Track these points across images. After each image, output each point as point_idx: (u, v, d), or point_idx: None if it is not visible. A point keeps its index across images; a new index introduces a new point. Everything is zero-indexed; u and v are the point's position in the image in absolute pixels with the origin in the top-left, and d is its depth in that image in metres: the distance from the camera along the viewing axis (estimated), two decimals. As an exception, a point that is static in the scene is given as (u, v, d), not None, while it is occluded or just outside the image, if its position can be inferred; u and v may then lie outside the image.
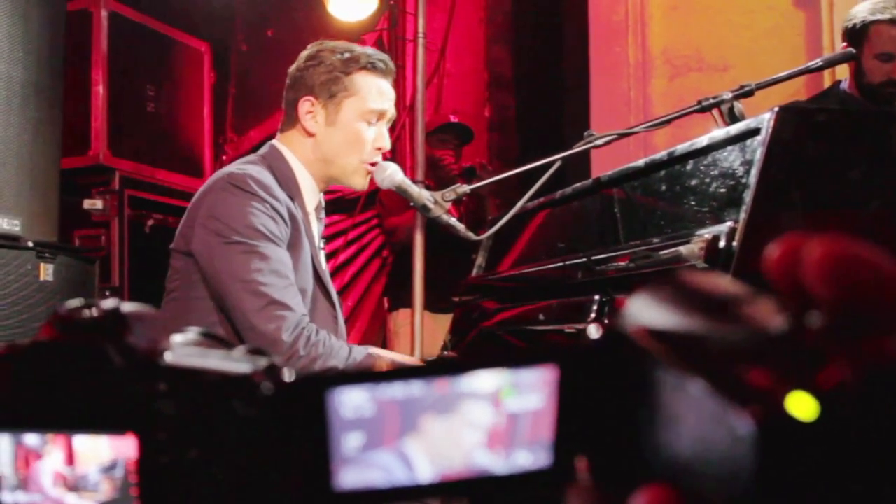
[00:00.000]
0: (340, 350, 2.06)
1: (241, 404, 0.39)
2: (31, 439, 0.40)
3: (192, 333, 0.43)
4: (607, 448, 0.38)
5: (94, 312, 0.40)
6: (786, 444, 0.28)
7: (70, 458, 0.40)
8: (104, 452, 0.39)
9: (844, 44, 3.31)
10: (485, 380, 0.39)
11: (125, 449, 0.39)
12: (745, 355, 0.31)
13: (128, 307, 0.41)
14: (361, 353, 2.11)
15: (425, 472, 0.39)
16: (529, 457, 0.40)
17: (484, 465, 0.40)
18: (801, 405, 0.28)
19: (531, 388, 0.40)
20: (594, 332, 0.39)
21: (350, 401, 0.39)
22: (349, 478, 0.39)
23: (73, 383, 0.39)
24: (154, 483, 0.39)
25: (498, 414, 0.40)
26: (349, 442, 0.39)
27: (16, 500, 0.41)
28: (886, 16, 3.20)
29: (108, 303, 0.41)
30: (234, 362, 0.41)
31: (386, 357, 2.19)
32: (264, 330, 1.97)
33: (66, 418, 0.40)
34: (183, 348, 0.42)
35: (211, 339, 0.44)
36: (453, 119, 4.80)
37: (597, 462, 0.39)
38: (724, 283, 0.37)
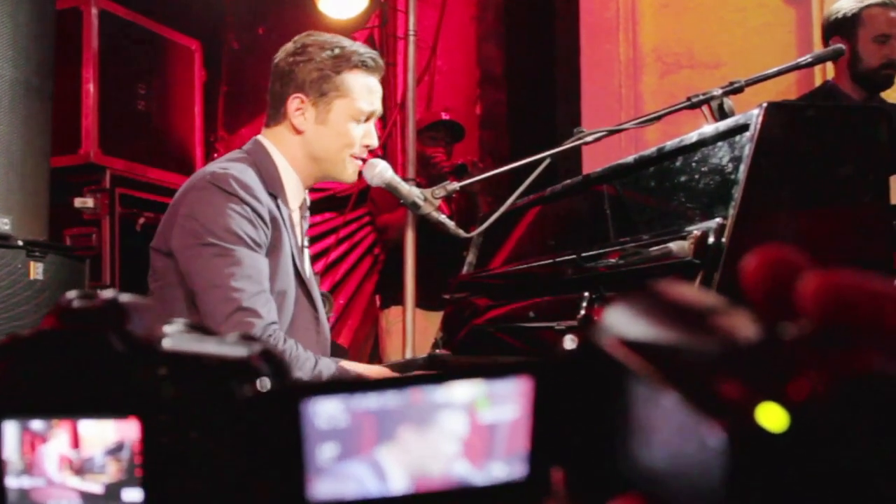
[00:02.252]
0: (306, 361, 2.04)
1: (239, 386, 0.40)
2: (36, 424, 0.41)
3: (178, 324, 0.44)
4: (582, 459, 0.38)
5: (95, 302, 0.41)
6: (756, 455, 0.28)
7: (75, 442, 0.41)
8: (110, 435, 0.40)
9: (835, 36, 3.32)
10: (460, 390, 0.39)
11: (131, 431, 0.40)
12: (717, 367, 0.31)
13: (125, 297, 0.42)
14: (328, 365, 2.08)
15: (400, 483, 0.39)
16: (505, 468, 0.40)
17: (460, 476, 0.40)
18: (772, 416, 0.28)
19: (506, 400, 0.40)
20: (569, 342, 0.39)
21: (324, 411, 0.39)
22: (323, 488, 0.39)
23: (77, 370, 0.40)
24: (156, 464, 0.40)
25: (473, 425, 0.40)
26: (323, 452, 0.39)
27: (21, 484, 0.41)
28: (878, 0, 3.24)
29: (107, 293, 0.42)
30: (231, 347, 0.42)
31: (354, 369, 2.18)
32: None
33: (72, 404, 0.40)
34: (179, 335, 0.42)
35: (195, 330, 0.44)
36: (444, 116, 4.80)
37: (572, 473, 0.39)
38: (699, 294, 0.36)
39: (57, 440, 0.41)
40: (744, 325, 0.33)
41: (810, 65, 2.29)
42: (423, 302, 4.13)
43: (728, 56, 4.58)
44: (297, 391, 0.39)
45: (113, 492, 0.41)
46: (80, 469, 0.41)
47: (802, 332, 0.31)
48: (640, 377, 0.34)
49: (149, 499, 0.40)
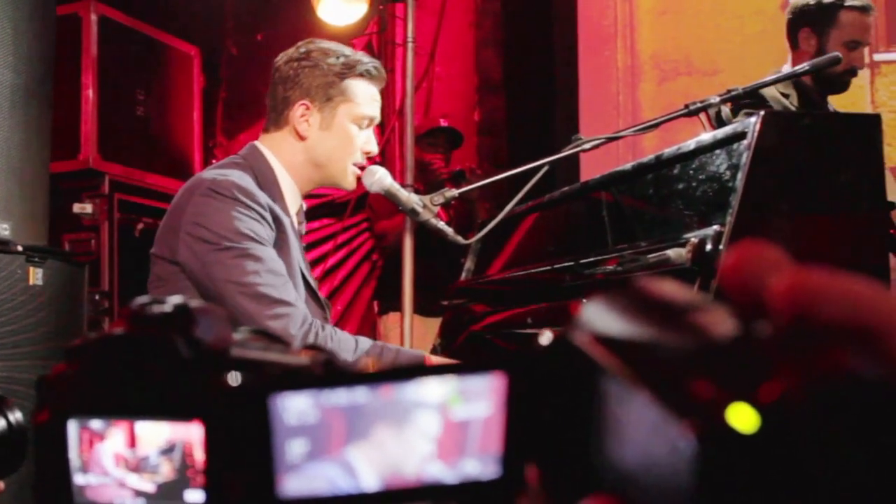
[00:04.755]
0: (348, 342, 2.05)
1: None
2: (95, 423, 0.42)
3: (244, 332, 0.45)
4: (556, 457, 0.38)
5: (164, 307, 0.42)
6: (726, 456, 0.28)
7: (132, 441, 0.41)
8: (163, 435, 0.41)
9: (805, 28, 3.25)
10: (431, 387, 0.39)
11: (183, 432, 0.40)
12: (689, 365, 0.31)
13: (195, 303, 0.42)
14: (367, 344, 2.08)
15: (370, 480, 0.39)
16: (478, 466, 0.40)
17: (431, 474, 0.39)
18: (742, 417, 0.28)
19: (479, 396, 0.39)
20: (544, 339, 0.38)
21: (294, 406, 0.39)
22: (293, 485, 0.39)
23: (143, 373, 0.41)
24: (218, 467, 0.40)
25: (446, 422, 0.39)
26: (293, 449, 0.39)
27: (77, 481, 0.42)
28: (858, 2, 3.17)
29: (176, 298, 0.42)
30: (294, 356, 0.43)
31: (392, 349, 2.17)
32: (274, 330, 1.94)
33: (136, 405, 0.41)
34: (247, 342, 0.43)
35: (262, 337, 0.45)
36: (443, 123, 4.80)
37: (546, 471, 0.38)
38: (676, 290, 0.36)
39: (113, 439, 0.41)
40: (719, 323, 0.33)
41: (807, 73, 2.30)
42: (421, 308, 4.13)
43: (725, 63, 4.60)
44: (267, 386, 0.39)
45: (165, 491, 0.41)
46: (136, 468, 0.42)
47: (775, 332, 0.31)
48: (613, 375, 0.33)
49: (210, 502, 0.41)
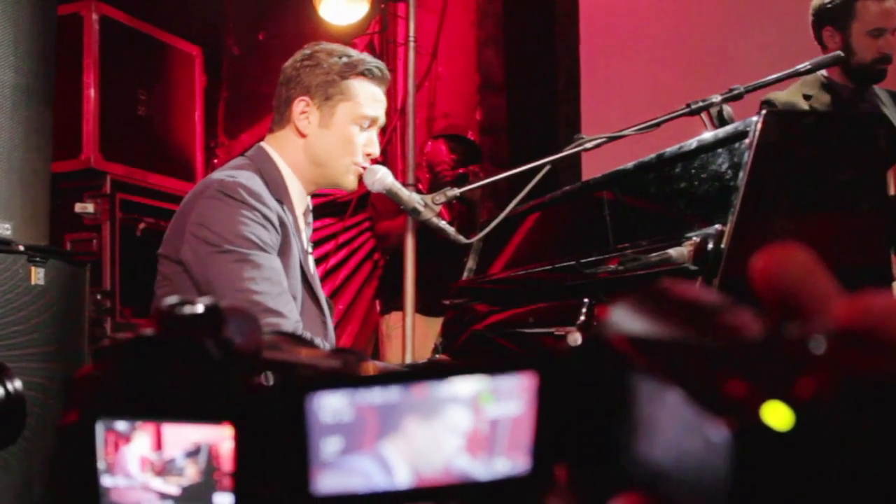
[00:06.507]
0: None
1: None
2: (121, 425, 0.42)
3: (272, 333, 0.45)
4: (586, 455, 0.38)
5: (195, 308, 0.41)
6: (760, 453, 0.28)
7: (158, 444, 0.41)
8: (188, 438, 0.41)
9: (828, 27, 3.26)
10: (464, 385, 0.40)
11: (209, 435, 0.40)
12: (722, 364, 0.32)
13: (225, 304, 0.42)
14: None
15: (403, 477, 0.39)
16: (508, 463, 0.40)
17: (463, 470, 0.40)
18: (777, 414, 0.28)
19: (510, 395, 0.40)
20: (575, 339, 0.39)
21: (329, 405, 0.39)
22: (327, 482, 0.39)
23: (172, 374, 0.41)
24: (249, 470, 0.40)
25: (477, 419, 0.40)
26: (328, 446, 0.39)
27: (113, 483, 0.42)
28: None
29: (206, 299, 0.42)
30: (325, 358, 0.43)
31: (378, 366, 2.18)
32: None
33: (165, 407, 0.41)
34: (276, 344, 0.44)
35: (290, 338, 0.46)
36: (470, 136, 4.81)
37: (575, 469, 0.39)
38: (704, 292, 0.37)
39: (139, 441, 0.41)
40: (749, 324, 0.33)
41: (809, 71, 2.29)
42: (423, 307, 4.13)
43: (732, 62, 4.59)
44: (302, 385, 0.39)
45: (191, 494, 0.41)
46: (162, 471, 0.42)
47: (808, 332, 0.31)
48: (646, 374, 0.34)
49: None
